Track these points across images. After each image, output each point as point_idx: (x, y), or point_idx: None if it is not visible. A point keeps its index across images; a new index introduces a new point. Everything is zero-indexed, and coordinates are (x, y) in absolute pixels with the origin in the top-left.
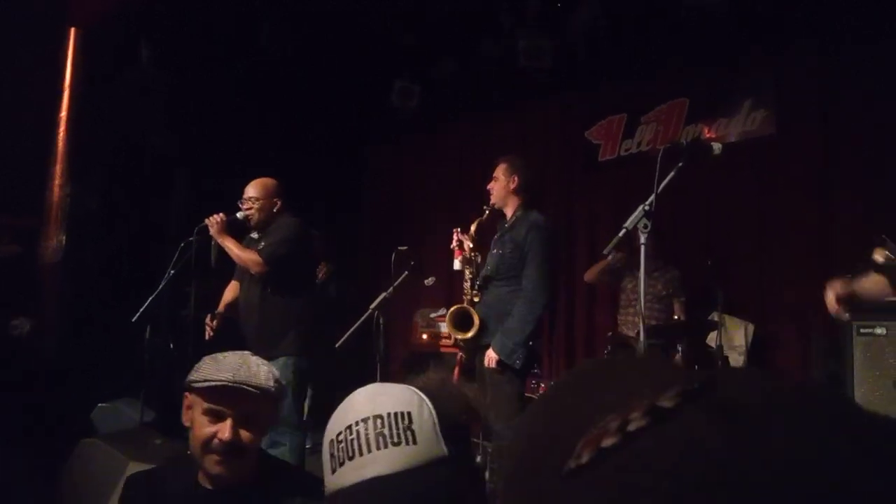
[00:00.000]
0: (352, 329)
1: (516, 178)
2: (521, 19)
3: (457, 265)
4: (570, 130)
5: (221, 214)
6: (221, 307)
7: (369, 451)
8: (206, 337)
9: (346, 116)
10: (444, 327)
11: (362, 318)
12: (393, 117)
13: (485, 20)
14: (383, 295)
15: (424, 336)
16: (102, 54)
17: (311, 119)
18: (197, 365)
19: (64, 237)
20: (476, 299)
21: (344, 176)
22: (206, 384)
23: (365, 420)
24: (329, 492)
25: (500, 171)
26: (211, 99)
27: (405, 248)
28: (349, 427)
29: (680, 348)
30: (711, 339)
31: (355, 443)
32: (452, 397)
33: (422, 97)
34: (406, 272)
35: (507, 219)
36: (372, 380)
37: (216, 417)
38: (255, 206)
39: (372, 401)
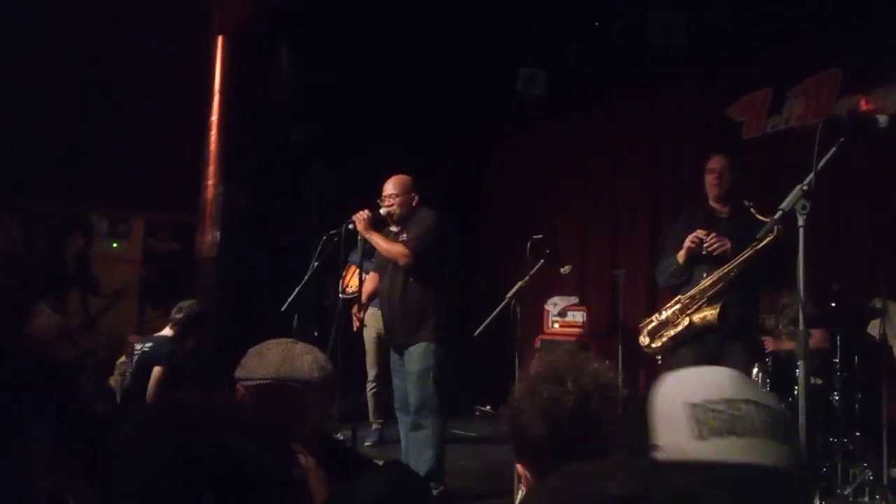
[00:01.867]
0: (490, 317)
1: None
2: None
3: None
4: (708, 110)
5: (367, 211)
6: (364, 298)
7: (758, 436)
8: (354, 328)
9: (471, 105)
10: (576, 316)
11: (500, 307)
12: (519, 104)
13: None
14: (520, 283)
15: (556, 325)
16: (247, 59)
17: (436, 109)
18: (242, 360)
19: (218, 233)
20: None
21: (470, 164)
22: (250, 383)
23: (755, 404)
24: (685, 456)
25: (725, 166)
26: (344, 95)
27: (540, 236)
28: (731, 402)
29: (838, 338)
30: (874, 327)
31: (744, 421)
32: None
33: (549, 82)
34: (542, 260)
35: (726, 213)
36: (511, 368)
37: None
38: (396, 201)
39: (748, 385)
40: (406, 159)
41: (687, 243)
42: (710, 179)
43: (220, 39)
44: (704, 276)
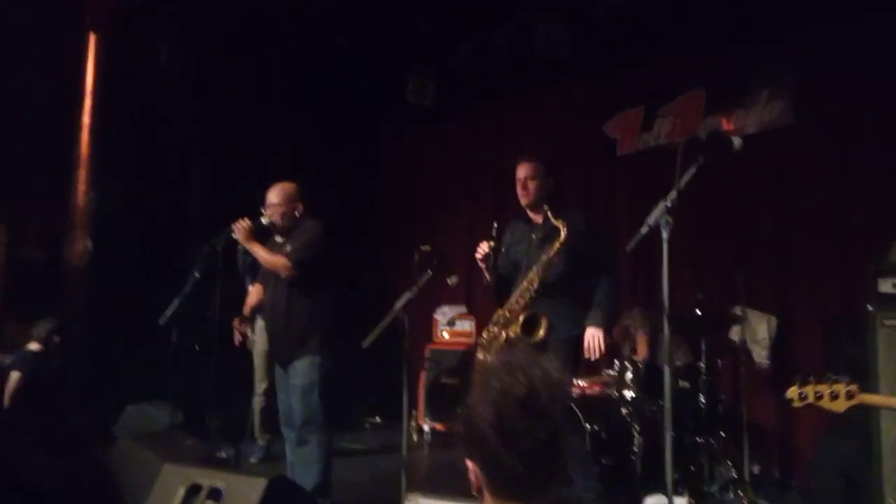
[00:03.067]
0: (378, 329)
1: (552, 179)
2: (537, 4)
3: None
4: (587, 121)
5: (247, 220)
6: (247, 311)
7: None
8: (236, 342)
9: (359, 107)
10: (466, 325)
11: (388, 319)
12: (407, 108)
13: (501, 7)
14: (408, 295)
15: (445, 334)
16: (121, 56)
17: (324, 111)
18: None
19: (90, 241)
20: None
21: (358, 167)
22: None
23: None
24: None
25: (537, 172)
26: (226, 90)
27: (427, 247)
28: None
29: (702, 343)
30: (735, 332)
31: None
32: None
33: (437, 88)
34: (429, 272)
35: (539, 221)
36: (398, 379)
37: None
38: (278, 211)
39: None
40: (295, 164)
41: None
42: (517, 189)
43: (91, 36)
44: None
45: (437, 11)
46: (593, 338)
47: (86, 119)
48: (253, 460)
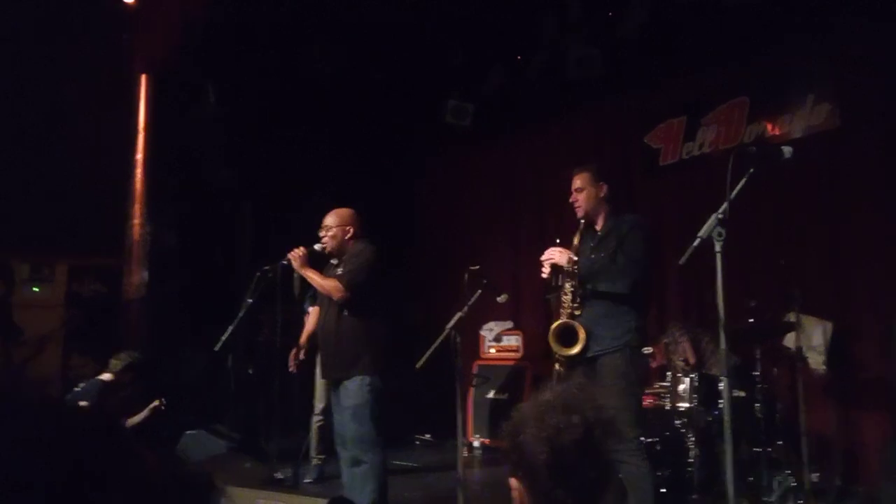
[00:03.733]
0: (431, 349)
1: (604, 186)
2: (567, 27)
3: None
4: (627, 136)
5: (302, 248)
6: (304, 339)
7: None
8: (291, 369)
9: (396, 136)
10: (513, 341)
11: (440, 338)
12: (446, 135)
13: (531, 32)
14: (459, 315)
15: (492, 350)
16: (172, 97)
17: (365, 142)
18: None
19: (146, 273)
20: (577, 313)
21: (401, 198)
22: None
23: None
24: None
25: (585, 181)
26: (270, 129)
27: (476, 266)
28: None
29: (757, 351)
30: (790, 340)
31: None
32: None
33: (474, 113)
34: (479, 291)
35: (599, 228)
36: (447, 396)
37: None
38: (329, 234)
39: None
40: (338, 197)
41: None
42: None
43: (143, 77)
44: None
45: (470, 40)
46: (558, 252)
47: (139, 156)
48: (307, 480)
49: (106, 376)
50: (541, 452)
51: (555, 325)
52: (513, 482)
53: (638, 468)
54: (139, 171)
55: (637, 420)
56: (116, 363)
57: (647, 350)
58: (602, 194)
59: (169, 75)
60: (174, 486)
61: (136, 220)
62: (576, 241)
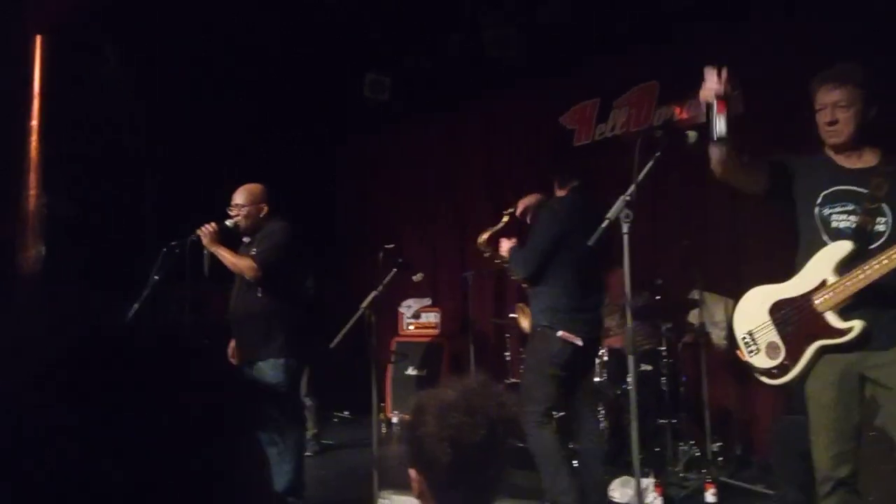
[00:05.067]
0: (345, 329)
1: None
2: (486, 9)
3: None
4: (542, 118)
5: (213, 224)
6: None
7: None
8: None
9: (316, 112)
10: (431, 317)
11: (355, 318)
12: (363, 112)
13: (450, 12)
14: (373, 294)
15: (411, 327)
16: (69, 59)
17: (281, 116)
18: None
19: (43, 247)
20: None
21: (316, 172)
22: None
23: None
24: None
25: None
26: (180, 98)
27: (392, 245)
28: None
29: (663, 328)
30: (693, 316)
31: None
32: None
33: (394, 88)
34: (395, 269)
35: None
36: (367, 375)
37: None
38: (242, 212)
39: None
40: (252, 170)
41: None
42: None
43: (38, 39)
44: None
45: (390, 18)
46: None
47: (34, 122)
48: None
49: None
50: (442, 453)
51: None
52: (412, 473)
53: (533, 438)
54: (34, 139)
55: (530, 395)
56: None
57: (560, 332)
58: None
59: (66, 36)
60: None
61: (32, 191)
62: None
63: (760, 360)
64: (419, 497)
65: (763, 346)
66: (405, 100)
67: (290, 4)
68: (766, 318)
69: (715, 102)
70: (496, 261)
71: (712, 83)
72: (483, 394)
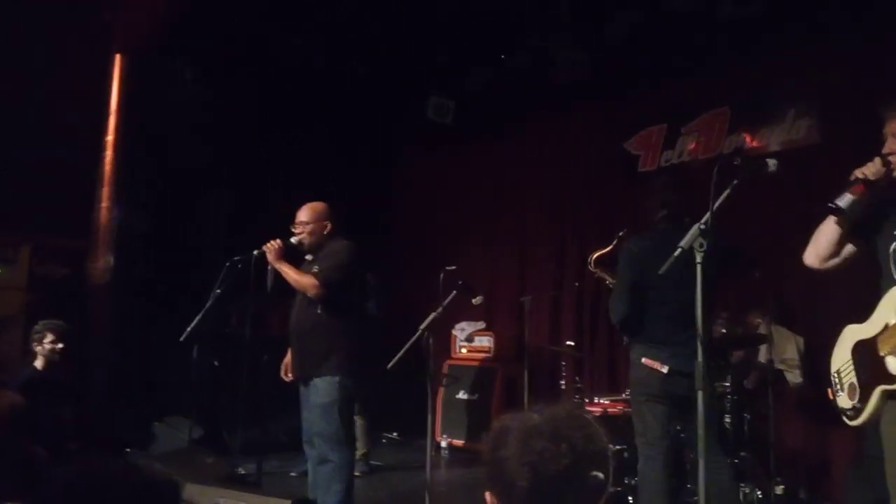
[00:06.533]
0: (404, 349)
1: None
2: (554, 29)
3: None
4: (608, 141)
5: (278, 241)
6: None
7: None
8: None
9: (376, 131)
10: (483, 341)
11: (413, 339)
12: (427, 132)
13: (517, 31)
14: (433, 315)
15: (464, 350)
16: (147, 78)
17: (342, 135)
18: None
19: (112, 258)
20: None
21: (375, 190)
22: None
23: None
24: None
25: None
26: (247, 117)
27: (453, 267)
28: None
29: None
30: (762, 352)
31: None
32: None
33: (456, 111)
34: (455, 292)
35: None
36: (422, 396)
37: None
38: (307, 230)
39: None
40: (316, 190)
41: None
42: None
43: (117, 57)
44: None
45: (456, 38)
46: None
47: (109, 138)
48: (293, 474)
49: (38, 363)
50: (522, 478)
51: None
52: (488, 496)
53: (639, 467)
54: (109, 153)
55: (635, 426)
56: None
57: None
58: None
59: (145, 56)
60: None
61: (105, 203)
62: None
63: (843, 401)
64: None
65: (846, 387)
66: (467, 120)
67: (355, 24)
68: (849, 357)
69: (858, 181)
70: (607, 282)
71: (869, 165)
72: (570, 422)
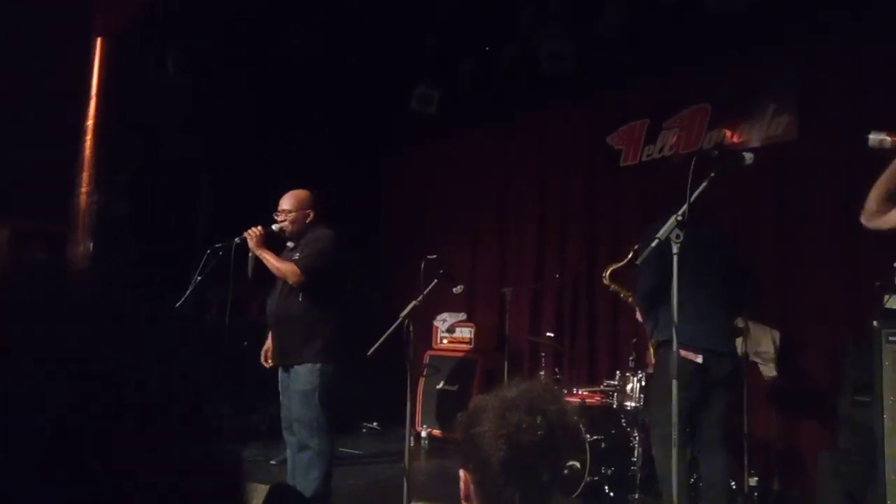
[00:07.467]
0: (384, 337)
1: None
2: (542, 22)
3: None
4: (591, 135)
5: (260, 227)
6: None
7: None
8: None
9: (364, 121)
10: (465, 332)
11: (393, 327)
12: (412, 122)
13: (505, 23)
14: (413, 303)
15: (445, 341)
16: (128, 62)
17: (329, 124)
18: None
19: (91, 243)
20: None
21: (362, 181)
22: None
23: None
24: None
25: None
26: (233, 104)
27: (434, 256)
28: None
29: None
30: (737, 345)
31: None
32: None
33: (441, 101)
34: (436, 280)
35: None
36: (402, 385)
37: None
38: (289, 217)
39: None
40: (300, 177)
41: None
42: None
43: (98, 41)
44: None
45: (443, 29)
46: None
47: (90, 122)
48: (273, 462)
49: None
50: (498, 449)
51: None
52: (462, 474)
53: (655, 458)
54: (89, 138)
55: (654, 415)
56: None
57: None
58: None
59: (125, 39)
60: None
61: (84, 188)
62: None
63: None
64: (465, 500)
65: None
66: (454, 111)
67: (343, 14)
68: None
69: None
70: (621, 295)
71: None
72: (546, 396)
